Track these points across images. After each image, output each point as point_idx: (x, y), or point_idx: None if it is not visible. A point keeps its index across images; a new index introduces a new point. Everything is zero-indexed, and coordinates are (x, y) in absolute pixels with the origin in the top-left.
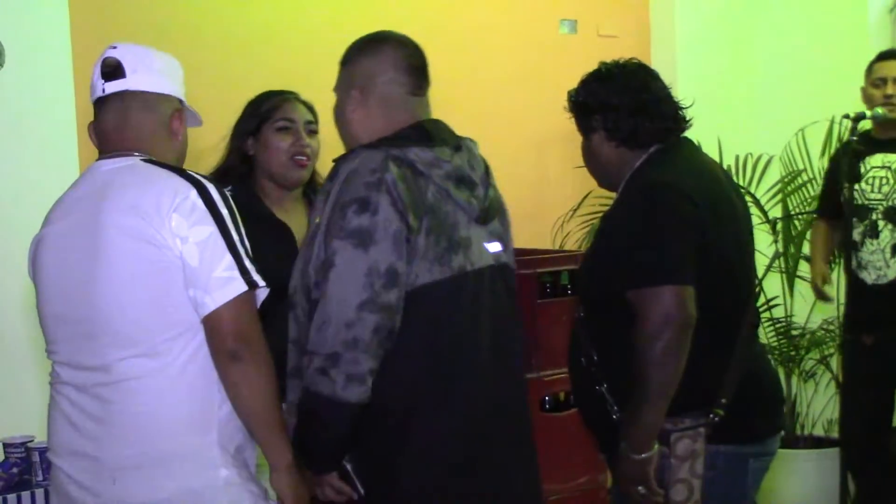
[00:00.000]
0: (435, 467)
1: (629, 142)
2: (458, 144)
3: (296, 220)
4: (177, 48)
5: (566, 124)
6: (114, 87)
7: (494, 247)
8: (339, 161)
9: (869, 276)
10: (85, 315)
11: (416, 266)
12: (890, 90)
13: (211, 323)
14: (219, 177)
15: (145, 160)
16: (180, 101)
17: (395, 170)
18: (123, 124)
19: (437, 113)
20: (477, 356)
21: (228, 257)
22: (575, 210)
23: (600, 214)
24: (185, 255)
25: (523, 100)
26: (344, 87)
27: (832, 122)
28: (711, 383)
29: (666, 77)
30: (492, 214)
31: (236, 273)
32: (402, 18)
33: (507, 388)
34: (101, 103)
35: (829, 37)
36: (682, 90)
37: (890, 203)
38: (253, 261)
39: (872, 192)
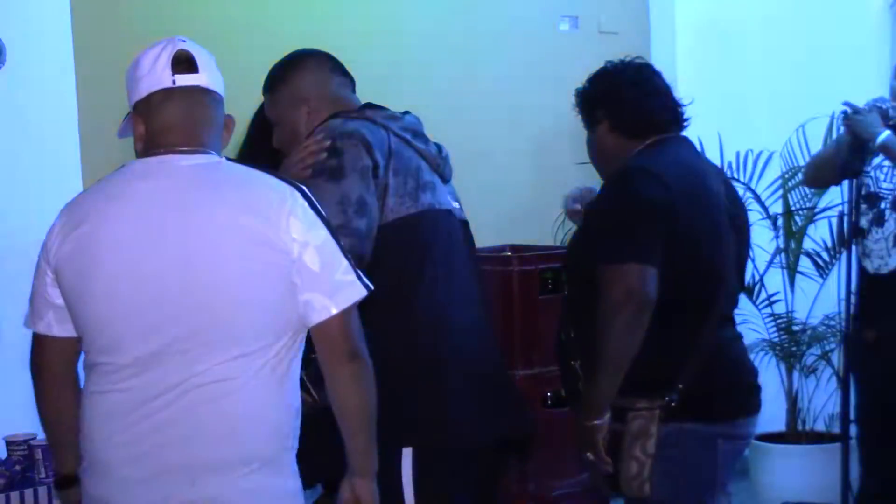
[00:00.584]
0: (406, 364)
1: (630, 132)
2: (403, 113)
3: None
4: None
5: (568, 120)
6: (186, 80)
7: (455, 204)
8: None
9: (871, 265)
10: (185, 316)
11: (389, 201)
12: None
13: (331, 326)
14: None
15: (229, 159)
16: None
17: (356, 122)
18: (190, 119)
19: (439, 109)
20: (444, 285)
21: (345, 261)
22: None
23: None
24: (304, 259)
25: (524, 96)
26: (288, 107)
27: (832, 117)
28: (670, 368)
29: (666, 73)
30: (448, 175)
31: (354, 277)
32: (404, 17)
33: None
34: (163, 95)
35: (829, 31)
36: (681, 86)
37: None
38: None
39: (885, 181)
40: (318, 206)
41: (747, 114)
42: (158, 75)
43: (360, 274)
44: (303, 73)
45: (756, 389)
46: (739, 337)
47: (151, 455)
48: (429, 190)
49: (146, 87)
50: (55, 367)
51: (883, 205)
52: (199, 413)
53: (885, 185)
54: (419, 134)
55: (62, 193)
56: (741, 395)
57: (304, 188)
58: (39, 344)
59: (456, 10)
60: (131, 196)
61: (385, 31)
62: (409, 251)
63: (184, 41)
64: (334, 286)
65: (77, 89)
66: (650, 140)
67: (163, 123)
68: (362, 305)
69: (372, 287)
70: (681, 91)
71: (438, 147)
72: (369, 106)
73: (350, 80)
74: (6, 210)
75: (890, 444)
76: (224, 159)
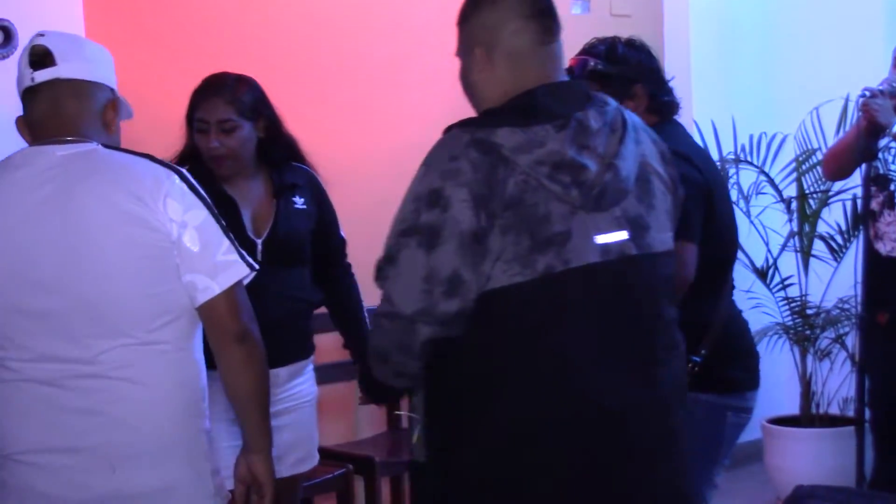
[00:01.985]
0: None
1: (658, 111)
2: (567, 120)
3: (248, 193)
4: (190, 33)
5: None
6: (44, 75)
7: (616, 237)
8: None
9: (884, 247)
10: (63, 305)
11: (491, 268)
12: None
13: (215, 307)
14: (181, 157)
15: (105, 146)
16: (112, 91)
17: (475, 155)
18: (56, 113)
19: (450, 94)
20: (549, 367)
21: (226, 241)
22: None
23: None
24: (184, 240)
25: None
26: (465, 48)
27: (847, 100)
28: (692, 337)
29: (679, 56)
30: (613, 197)
31: (236, 256)
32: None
33: (614, 399)
34: (30, 94)
35: (844, 13)
36: (695, 69)
37: None
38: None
39: (894, 162)
40: (198, 187)
41: (761, 97)
42: (22, 75)
43: (244, 253)
44: (482, 11)
45: (758, 363)
46: (740, 311)
47: (71, 445)
48: (554, 246)
49: (19, 90)
50: None
51: (893, 187)
52: (104, 401)
53: (894, 167)
54: (563, 165)
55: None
56: (752, 368)
57: (181, 169)
58: None
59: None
60: (7, 186)
61: (393, 15)
62: (509, 328)
63: (42, 35)
64: (216, 266)
65: None
66: (661, 121)
67: (35, 120)
68: (436, 399)
69: (256, 266)
70: (694, 74)
71: (615, 143)
72: (528, 100)
73: (547, 27)
74: None
75: None
76: (100, 146)
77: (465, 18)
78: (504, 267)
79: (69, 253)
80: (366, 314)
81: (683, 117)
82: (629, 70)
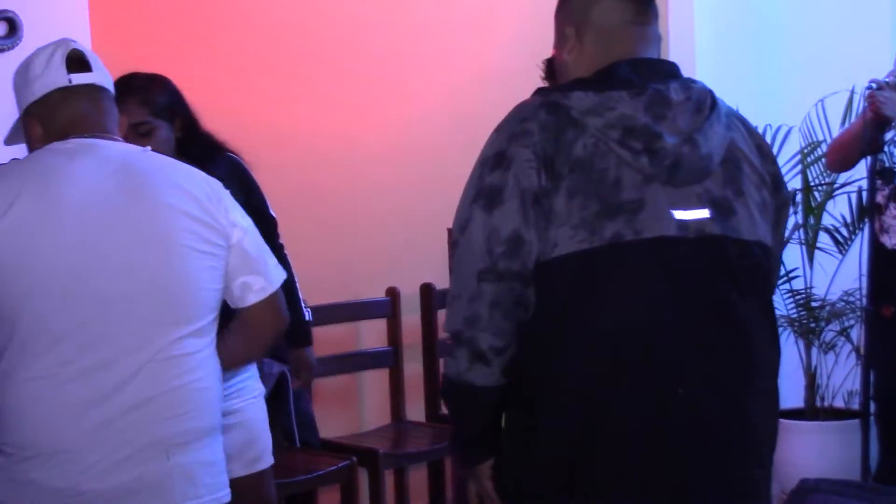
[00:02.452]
0: (552, 457)
1: None
2: (643, 88)
3: None
4: (192, 27)
5: None
6: (82, 79)
7: (696, 214)
8: None
9: (889, 240)
10: (135, 293)
11: (555, 232)
12: None
13: (269, 304)
14: None
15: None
16: None
17: (544, 116)
18: (101, 111)
19: (462, 86)
20: (602, 341)
21: (267, 247)
22: None
23: None
24: (244, 244)
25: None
26: (558, 31)
27: (852, 92)
28: None
29: (683, 46)
30: (691, 174)
31: (276, 261)
32: None
33: (689, 393)
34: (62, 94)
35: (849, 6)
36: (700, 60)
37: None
38: None
39: None
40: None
41: (765, 88)
42: (54, 75)
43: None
44: None
45: None
46: None
47: (126, 434)
48: (625, 213)
49: (41, 88)
50: None
51: None
52: (166, 389)
53: None
54: (635, 131)
55: None
56: None
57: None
58: None
59: None
60: (67, 176)
61: (399, 9)
62: (576, 299)
63: (74, 42)
64: (269, 268)
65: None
66: None
67: (69, 117)
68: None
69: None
70: (698, 64)
71: (698, 120)
72: (613, 69)
73: (640, 7)
74: None
75: None
76: (149, 150)
77: (561, 4)
78: (570, 232)
79: (138, 245)
80: (301, 297)
81: None
82: None
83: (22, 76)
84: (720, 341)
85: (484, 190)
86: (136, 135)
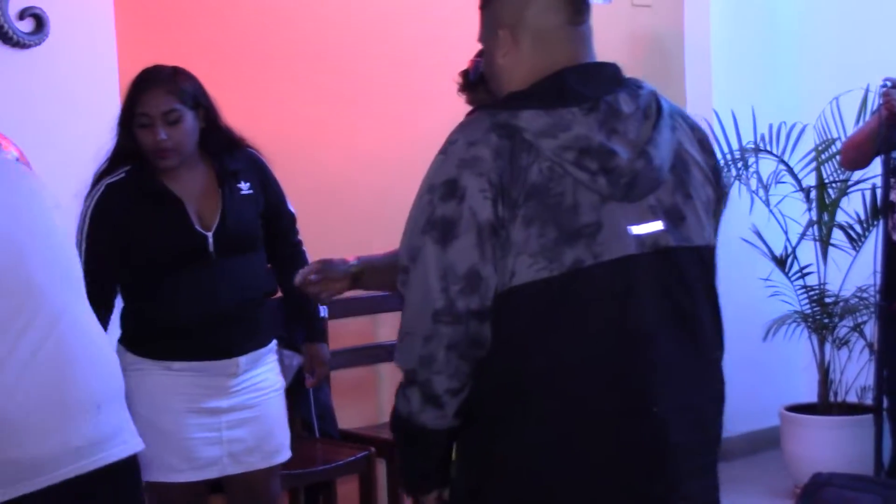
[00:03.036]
0: (518, 484)
1: None
2: (596, 103)
3: (191, 186)
4: (215, 18)
5: None
6: None
7: (651, 227)
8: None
9: None
10: None
11: (513, 261)
12: None
13: None
14: (114, 159)
15: None
16: None
17: (495, 141)
18: None
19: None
20: (580, 368)
21: None
22: None
23: None
24: None
25: None
26: (489, 31)
27: (867, 90)
28: None
29: (699, 46)
30: (646, 186)
31: None
32: None
33: (656, 401)
34: None
35: (864, 5)
36: (715, 59)
37: None
38: None
39: None
40: None
41: (780, 86)
42: None
43: None
44: None
45: None
46: None
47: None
48: (584, 238)
49: None
50: None
51: None
52: None
53: None
54: (590, 151)
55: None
56: None
57: None
58: None
59: None
60: None
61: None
62: (536, 329)
63: None
64: None
65: (119, 60)
66: None
67: None
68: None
69: None
70: (714, 63)
71: (648, 129)
72: (556, 82)
73: (576, 7)
74: (48, 175)
75: None
76: None
77: (487, 1)
78: (529, 261)
79: None
80: None
81: (702, 106)
82: None
83: None
84: (684, 355)
85: (436, 221)
86: (166, 123)
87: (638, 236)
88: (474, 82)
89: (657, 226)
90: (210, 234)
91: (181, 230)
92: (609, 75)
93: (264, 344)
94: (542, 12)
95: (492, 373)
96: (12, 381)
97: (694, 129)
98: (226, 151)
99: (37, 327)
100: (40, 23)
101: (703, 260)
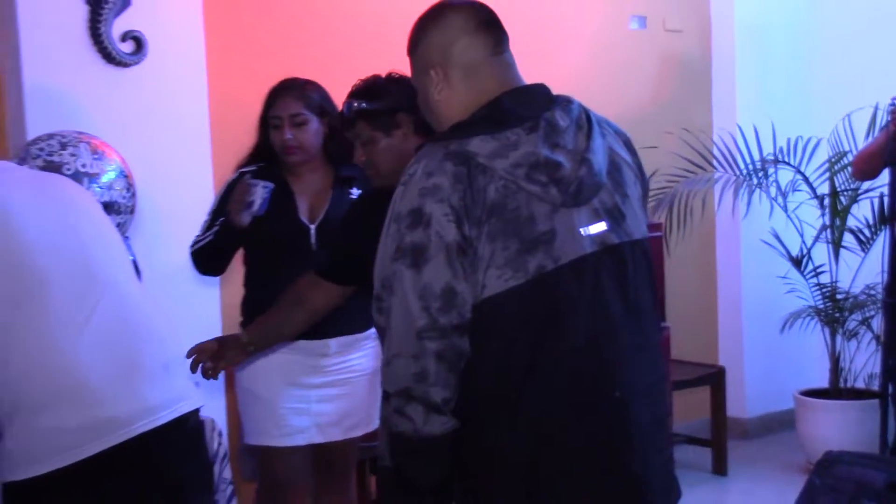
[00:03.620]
0: (507, 475)
1: (428, 131)
2: (536, 122)
3: (308, 184)
4: (295, 46)
5: (634, 110)
6: None
7: (597, 227)
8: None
9: None
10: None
11: (483, 275)
12: None
13: None
14: (254, 155)
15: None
16: None
17: (451, 168)
18: None
19: None
20: (559, 362)
21: None
22: None
23: (666, 190)
24: None
25: (597, 88)
26: (420, 73)
27: (876, 108)
28: None
29: (725, 67)
30: (589, 191)
31: None
32: None
33: (619, 383)
34: None
35: (873, 30)
36: (739, 79)
37: None
38: None
39: None
40: None
41: (797, 104)
42: None
43: None
44: (431, 34)
45: None
46: None
47: None
48: (542, 245)
49: None
50: None
51: None
52: None
53: None
54: (539, 165)
55: (192, 172)
56: None
57: None
58: None
59: (533, 9)
60: None
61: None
62: (511, 333)
63: None
64: None
65: (208, 81)
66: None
67: None
68: (465, 396)
69: None
70: (738, 83)
71: (583, 139)
72: (494, 108)
73: (496, 38)
74: (145, 185)
75: None
76: None
77: (414, 45)
78: (497, 273)
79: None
80: None
81: (727, 122)
82: (391, 101)
83: None
84: (638, 343)
85: (406, 248)
86: (293, 124)
87: (589, 236)
88: (350, 119)
89: (602, 226)
90: (313, 227)
91: (288, 218)
92: (541, 95)
93: (358, 330)
94: (466, 48)
95: (475, 377)
96: (89, 355)
97: (618, 133)
98: (345, 159)
99: (101, 308)
100: (139, 44)
101: (644, 251)
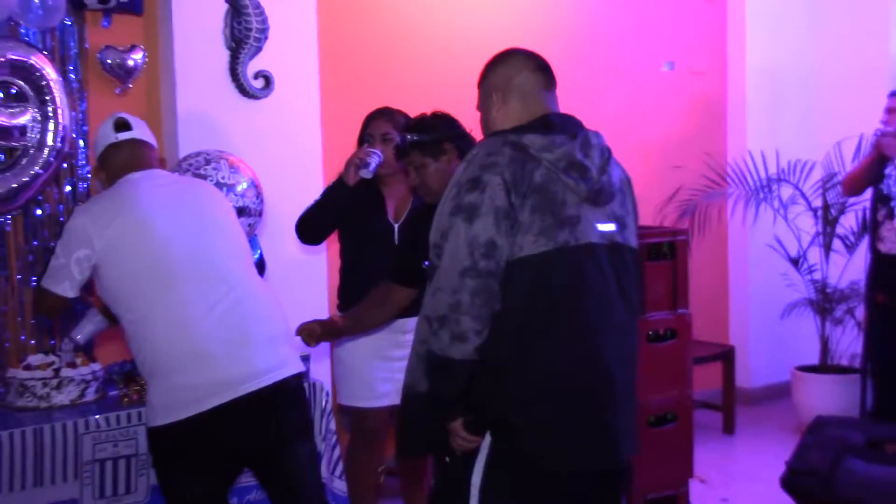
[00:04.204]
0: (535, 409)
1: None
2: (576, 134)
3: (395, 190)
4: (397, 78)
5: (665, 137)
6: (125, 136)
7: (608, 227)
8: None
9: (883, 247)
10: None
11: (521, 238)
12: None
13: None
14: None
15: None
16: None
17: (509, 152)
18: (143, 154)
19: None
20: (575, 319)
21: None
22: (670, 199)
23: (689, 202)
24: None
25: (635, 119)
26: (485, 96)
27: (861, 137)
28: None
29: (738, 102)
30: (606, 197)
31: None
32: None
33: (607, 350)
34: (113, 147)
35: (860, 73)
36: (751, 112)
37: None
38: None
39: (893, 185)
40: None
41: (797, 133)
42: (106, 135)
43: None
44: (498, 67)
45: None
46: None
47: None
48: (569, 226)
49: (101, 146)
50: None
51: (893, 203)
52: None
53: (894, 189)
54: (574, 164)
55: (307, 182)
56: None
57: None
58: (52, 298)
59: (589, 54)
60: (143, 193)
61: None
62: (535, 288)
63: (122, 114)
64: None
65: (321, 110)
66: None
67: (122, 160)
68: (492, 334)
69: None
70: (750, 115)
71: (606, 161)
72: (545, 119)
73: (547, 79)
74: (271, 193)
75: (890, 376)
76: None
77: (484, 77)
78: (532, 238)
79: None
80: None
81: (739, 147)
82: (438, 133)
83: (95, 142)
84: (622, 321)
85: (463, 206)
86: (382, 141)
87: (601, 231)
88: (405, 149)
89: (612, 227)
90: (397, 225)
91: (376, 215)
92: (576, 122)
93: None
94: (524, 81)
95: (503, 324)
96: (211, 329)
97: (623, 170)
98: None
99: (223, 297)
100: (268, 81)
101: (635, 257)
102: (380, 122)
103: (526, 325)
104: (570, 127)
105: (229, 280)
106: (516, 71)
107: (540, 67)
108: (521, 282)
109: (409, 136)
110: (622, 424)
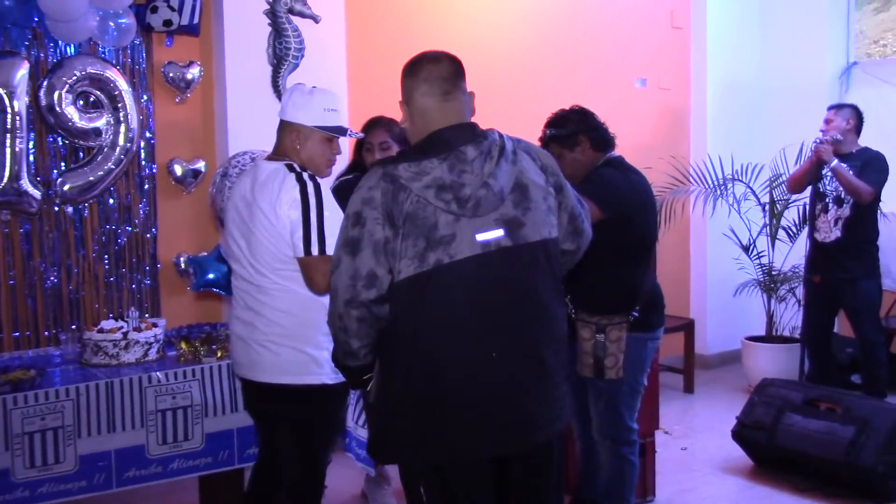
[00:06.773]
0: (402, 406)
1: (602, 147)
2: (448, 154)
3: None
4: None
5: (637, 143)
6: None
7: (494, 234)
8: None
9: (819, 236)
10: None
11: (399, 264)
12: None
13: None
14: (351, 168)
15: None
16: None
17: (383, 185)
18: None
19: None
20: (454, 327)
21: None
22: None
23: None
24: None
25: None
26: (402, 110)
27: (802, 144)
28: (632, 297)
29: (699, 113)
30: (489, 205)
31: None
32: (529, 70)
33: (500, 349)
34: None
35: (802, 86)
36: (710, 121)
37: (836, 193)
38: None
39: (828, 185)
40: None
41: (749, 139)
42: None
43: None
44: (407, 80)
45: (664, 311)
46: (656, 278)
47: None
48: (442, 245)
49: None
50: None
51: (827, 199)
52: None
53: (829, 187)
54: (444, 186)
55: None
56: (662, 314)
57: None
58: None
59: (568, 71)
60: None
61: (509, 79)
62: (411, 304)
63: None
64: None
65: (348, 122)
66: (605, 156)
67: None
68: (382, 344)
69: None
70: (709, 125)
71: (493, 166)
72: (429, 140)
73: (446, 89)
74: None
75: (824, 346)
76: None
77: (401, 83)
78: (408, 262)
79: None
80: None
81: (700, 151)
82: (572, 126)
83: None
84: (527, 313)
85: (348, 240)
86: (380, 149)
87: (484, 241)
88: (545, 142)
89: (499, 233)
90: None
91: None
92: (466, 132)
93: None
94: (423, 94)
95: (390, 331)
96: (265, 327)
97: (538, 156)
98: None
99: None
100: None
101: (546, 248)
102: (377, 131)
103: (408, 335)
104: (452, 142)
105: (261, 282)
106: (416, 84)
107: (440, 80)
108: (401, 301)
109: (548, 131)
110: (526, 412)
